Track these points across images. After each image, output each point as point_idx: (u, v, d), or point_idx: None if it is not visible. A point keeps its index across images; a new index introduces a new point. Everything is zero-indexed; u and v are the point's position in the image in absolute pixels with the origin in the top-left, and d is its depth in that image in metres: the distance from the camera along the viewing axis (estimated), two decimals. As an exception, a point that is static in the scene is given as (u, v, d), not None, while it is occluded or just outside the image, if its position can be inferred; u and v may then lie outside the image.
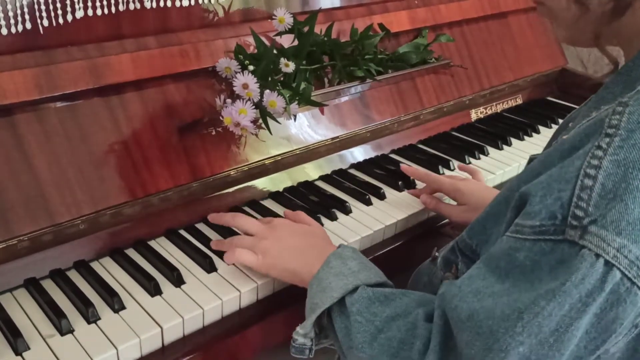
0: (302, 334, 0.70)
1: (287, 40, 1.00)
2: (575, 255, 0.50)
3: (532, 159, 0.66)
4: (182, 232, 0.89)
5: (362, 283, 0.67)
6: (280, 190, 1.01)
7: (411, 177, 1.04)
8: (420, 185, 1.05)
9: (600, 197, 0.50)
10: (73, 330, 0.70)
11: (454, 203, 0.97)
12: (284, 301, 0.81)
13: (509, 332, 0.51)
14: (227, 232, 0.88)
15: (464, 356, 0.54)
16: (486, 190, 0.96)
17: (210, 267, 0.81)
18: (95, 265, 0.81)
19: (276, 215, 0.93)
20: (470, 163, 1.16)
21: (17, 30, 0.77)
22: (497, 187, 1.13)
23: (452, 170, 1.13)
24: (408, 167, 1.04)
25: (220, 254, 0.83)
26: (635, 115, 0.51)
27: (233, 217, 0.85)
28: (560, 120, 1.37)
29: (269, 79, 0.92)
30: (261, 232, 0.80)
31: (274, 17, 0.98)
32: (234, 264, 0.82)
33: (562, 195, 0.51)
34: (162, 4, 0.89)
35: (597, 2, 0.57)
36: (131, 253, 0.84)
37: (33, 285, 0.76)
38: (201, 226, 0.90)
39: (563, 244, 0.51)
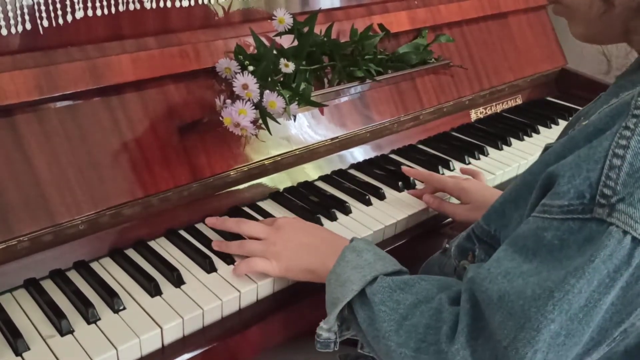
0: (326, 329, 0.71)
1: (287, 41, 1.00)
2: (603, 232, 0.51)
3: (547, 147, 0.66)
4: (182, 232, 0.89)
5: (380, 273, 0.67)
6: (280, 190, 1.01)
7: (412, 178, 1.05)
8: (420, 185, 1.05)
9: (628, 175, 0.51)
10: (73, 331, 0.70)
11: (457, 202, 0.97)
12: (283, 301, 0.81)
13: (541, 310, 0.52)
14: (227, 232, 0.88)
15: (497, 337, 0.55)
16: (489, 190, 0.97)
17: (210, 268, 0.81)
18: (95, 265, 0.81)
19: (273, 215, 0.93)
20: (470, 163, 1.16)
21: (17, 31, 0.77)
22: (497, 187, 1.13)
23: (452, 170, 1.13)
24: (409, 168, 1.04)
25: (221, 255, 0.83)
26: None
27: (237, 223, 0.84)
28: (560, 121, 1.38)
29: (269, 79, 0.92)
30: (269, 236, 0.80)
31: (273, 17, 0.98)
32: (234, 265, 0.82)
33: (591, 175, 0.53)
34: (162, 4, 0.89)
35: None
36: (131, 253, 0.84)
37: (33, 286, 0.76)
38: (201, 226, 0.90)
39: (591, 222, 0.52)
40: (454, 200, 0.98)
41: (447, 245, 0.78)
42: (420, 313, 0.62)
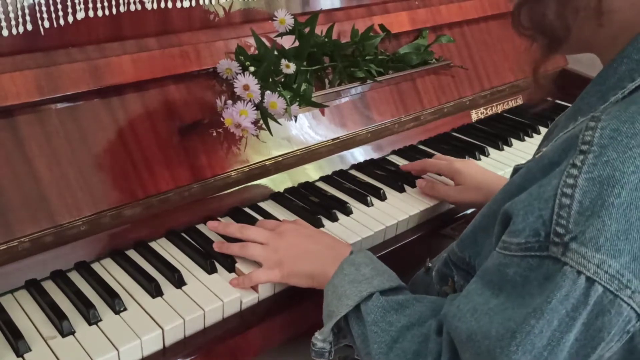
0: (321, 339, 0.71)
1: (287, 41, 1.00)
2: (558, 271, 0.51)
3: (516, 169, 0.67)
4: (183, 233, 0.89)
5: (376, 290, 0.68)
6: (281, 191, 1.01)
7: (413, 173, 1.05)
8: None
9: (578, 214, 0.51)
10: (74, 332, 0.70)
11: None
12: (284, 302, 0.81)
13: (505, 351, 0.52)
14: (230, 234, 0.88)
15: None
16: (481, 175, 0.98)
17: (211, 268, 0.81)
18: (96, 266, 0.81)
19: (274, 216, 0.92)
20: (470, 164, 1.16)
21: (18, 32, 0.77)
22: (498, 187, 1.13)
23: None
24: (405, 164, 1.06)
25: (220, 255, 0.83)
26: (607, 130, 0.51)
27: (239, 229, 0.83)
28: (561, 121, 1.38)
29: (270, 80, 0.92)
30: (271, 242, 0.80)
31: (274, 18, 0.98)
32: (235, 266, 0.82)
33: (543, 214, 0.53)
34: (162, 5, 0.89)
35: (538, 38, 0.61)
36: (132, 254, 0.84)
37: (34, 287, 0.76)
38: (202, 227, 0.90)
39: (547, 260, 0.52)
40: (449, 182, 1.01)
41: (429, 264, 0.78)
42: (411, 337, 0.62)
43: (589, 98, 0.61)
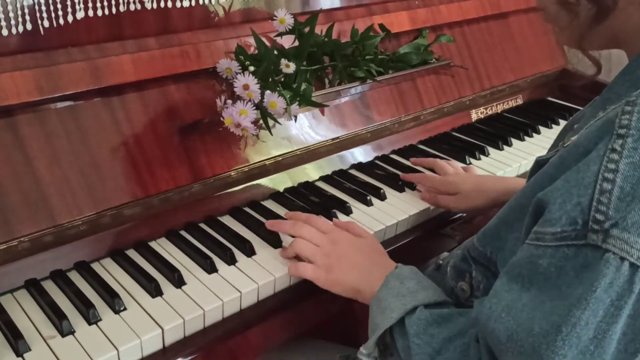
0: (366, 354, 0.70)
1: (287, 41, 1.00)
2: (599, 259, 0.50)
3: (538, 162, 0.66)
4: (183, 232, 0.89)
5: (420, 303, 0.67)
6: (281, 190, 1.01)
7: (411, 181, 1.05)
8: (420, 185, 1.05)
9: (619, 200, 0.50)
10: (74, 332, 0.70)
11: None
12: (284, 302, 0.81)
13: (551, 347, 0.51)
14: (230, 234, 0.88)
15: None
16: (475, 178, 0.99)
17: (211, 268, 0.81)
18: (96, 266, 0.81)
19: (277, 216, 0.92)
20: (470, 163, 1.16)
21: (17, 31, 0.77)
22: (498, 187, 1.13)
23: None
24: (406, 174, 1.06)
25: (220, 255, 0.83)
26: None
27: (293, 226, 0.83)
28: (561, 121, 1.38)
29: (270, 79, 0.92)
30: (324, 246, 0.79)
31: (274, 17, 0.98)
32: (235, 266, 0.82)
33: (582, 201, 0.52)
34: (162, 4, 0.89)
35: (583, 7, 0.59)
36: (132, 254, 0.84)
37: (34, 286, 0.76)
38: (202, 227, 0.90)
39: (586, 248, 0.51)
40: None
41: (440, 262, 0.78)
42: (454, 348, 0.61)
43: (618, 88, 0.60)
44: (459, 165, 1.08)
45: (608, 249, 0.50)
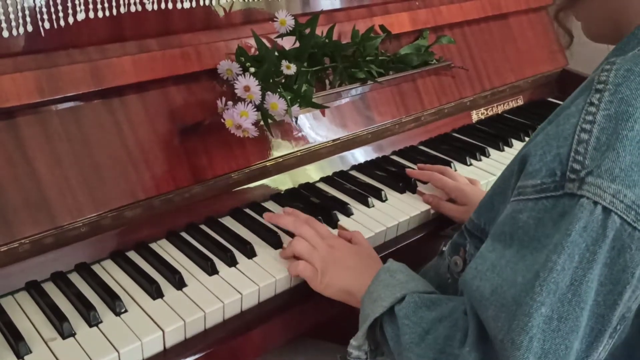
0: (356, 346, 0.70)
1: (288, 42, 1.00)
2: (575, 205, 0.52)
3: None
4: (184, 234, 0.89)
5: (410, 291, 0.68)
6: (282, 191, 1.01)
7: (413, 179, 1.05)
8: (421, 186, 1.05)
9: (595, 149, 0.53)
10: (75, 334, 0.70)
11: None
12: (285, 303, 0.81)
13: (529, 294, 0.52)
14: (231, 235, 0.88)
15: (492, 332, 0.55)
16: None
17: (211, 270, 0.81)
18: (96, 267, 0.81)
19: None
20: (471, 164, 1.16)
21: (18, 33, 0.77)
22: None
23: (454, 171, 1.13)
24: (412, 170, 1.06)
25: (221, 257, 0.83)
26: (622, 70, 0.54)
27: (294, 223, 0.84)
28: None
29: (271, 81, 0.92)
30: (320, 249, 0.80)
31: (275, 19, 0.98)
32: (235, 267, 0.82)
33: (561, 152, 0.54)
34: (163, 6, 0.89)
35: None
36: (133, 255, 0.84)
37: (34, 288, 0.76)
38: (203, 228, 0.90)
39: (563, 198, 0.53)
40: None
41: (443, 249, 0.78)
42: (442, 327, 0.62)
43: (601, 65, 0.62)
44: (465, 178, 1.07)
45: (582, 195, 0.52)
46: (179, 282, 0.78)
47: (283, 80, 0.94)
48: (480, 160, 1.18)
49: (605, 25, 0.66)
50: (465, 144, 1.24)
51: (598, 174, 0.52)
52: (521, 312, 0.52)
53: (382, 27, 1.15)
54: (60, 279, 0.78)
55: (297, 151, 1.01)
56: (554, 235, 0.53)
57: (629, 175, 0.51)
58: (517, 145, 1.26)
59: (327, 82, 1.05)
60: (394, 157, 1.17)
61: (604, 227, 0.51)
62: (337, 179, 1.07)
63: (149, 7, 0.88)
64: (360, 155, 1.13)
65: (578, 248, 0.51)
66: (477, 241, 0.69)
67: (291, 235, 0.86)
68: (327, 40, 1.04)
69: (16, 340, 0.67)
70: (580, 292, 0.52)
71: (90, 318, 0.71)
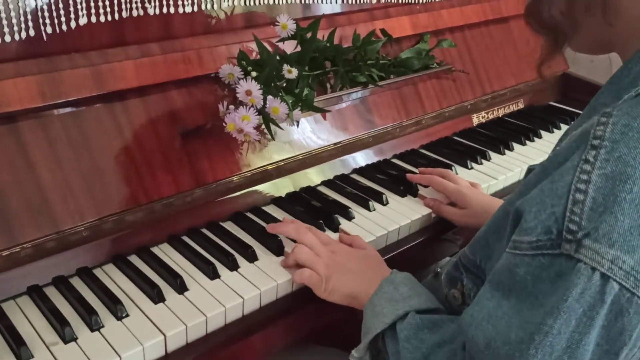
0: (357, 357, 0.71)
1: (289, 46, 1.00)
2: (572, 269, 0.51)
3: (530, 170, 0.67)
4: (185, 238, 0.89)
5: (412, 309, 0.67)
6: (283, 195, 1.01)
7: (414, 183, 1.05)
8: (422, 190, 1.05)
9: (592, 210, 0.51)
10: (76, 338, 0.70)
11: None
12: (287, 307, 0.81)
13: (524, 355, 0.51)
14: (232, 239, 0.88)
15: None
16: (487, 199, 0.98)
17: (213, 274, 0.81)
18: (98, 272, 0.81)
19: (278, 220, 0.93)
20: (472, 168, 1.16)
21: (20, 37, 0.77)
22: (500, 192, 1.13)
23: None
24: (413, 175, 1.06)
25: (222, 261, 0.83)
26: (619, 125, 0.52)
27: (296, 230, 0.84)
28: (562, 125, 1.39)
29: (272, 85, 0.92)
30: (323, 256, 0.80)
31: (276, 23, 0.98)
32: (237, 271, 0.82)
33: (556, 210, 0.52)
34: (165, 10, 0.89)
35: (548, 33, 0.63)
36: (134, 260, 0.84)
37: (36, 293, 0.76)
38: (204, 232, 0.90)
39: (560, 257, 0.52)
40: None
41: (438, 270, 0.78)
42: (442, 354, 0.62)
43: (604, 97, 0.61)
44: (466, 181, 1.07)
45: (580, 259, 0.51)
46: (180, 286, 0.78)
47: (284, 84, 0.94)
48: (481, 163, 1.18)
49: (595, 48, 0.65)
50: (466, 148, 1.24)
51: (595, 237, 0.50)
52: None
53: (383, 31, 1.15)
54: (61, 283, 0.78)
55: (299, 155, 1.01)
56: (550, 296, 0.52)
57: (627, 241, 0.50)
58: (518, 148, 1.26)
59: (328, 86, 1.05)
60: (395, 161, 1.17)
61: (602, 293, 0.50)
62: (339, 183, 1.07)
63: (150, 11, 0.88)
64: (362, 158, 1.14)
65: (575, 313, 0.50)
66: (474, 277, 0.69)
67: (293, 240, 0.86)
68: (328, 44, 1.04)
69: (18, 345, 0.67)
70: (576, 354, 0.51)
71: (92, 322, 0.71)
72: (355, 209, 0.98)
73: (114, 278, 0.80)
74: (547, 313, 0.51)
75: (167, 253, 0.86)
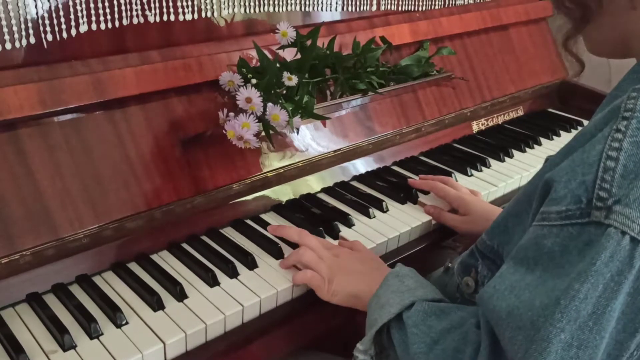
0: (362, 350, 0.70)
1: (289, 54, 1.01)
2: (602, 234, 0.51)
3: (548, 159, 0.67)
4: (185, 245, 0.89)
5: (419, 298, 0.67)
6: (283, 202, 1.01)
7: (414, 190, 1.05)
8: (422, 197, 1.05)
9: (622, 177, 0.51)
10: (75, 346, 0.70)
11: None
12: (287, 314, 0.81)
13: (549, 320, 0.51)
14: (232, 247, 0.88)
15: (509, 353, 0.54)
16: (488, 206, 0.98)
17: (213, 281, 0.80)
18: (97, 279, 0.81)
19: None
20: (472, 175, 1.16)
21: (21, 45, 0.77)
22: (499, 199, 1.13)
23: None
24: (414, 180, 1.06)
25: (222, 268, 0.83)
26: None
27: (298, 234, 0.84)
28: (562, 132, 1.39)
29: (272, 92, 0.92)
30: (325, 259, 0.80)
31: (277, 30, 0.98)
32: (237, 279, 0.82)
33: (586, 179, 0.53)
34: (165, 17, 0.89)
35: (572, 10, 0.63)
36: (134, 267, 0.83)
37: (35, 300, 0.76)
38: (204, 239, 0.90)
39: (589, 225, 0.52)
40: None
41: (449, 265, 0.78)
42: (452, 338, 0.62)
43: (625, 85, 0.62)
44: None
45: (610, 224, 0.51)
46: (180, 294, 0.78)
47: (284, 92, 0.94)
48: (481, 170, 1.18)
49: (614, 44, 0.65)
50: (466, 155, 1.24)
51: (626, 203, 0.51)
52: (539, 337, 0.51)
53: (382, 38, 1.16)
54: (61, 290, 0.78)
55: (299, 162, 1.01)
56: (578, 263, 0.52)
57: None
58: (518, 155, 1.26)
59: (328, 93, 1.06)
60: (395, 168, 1.17)
61: (632, 257, 0.50)
62: (338, 190, 1.07)
63: (151, 18, 0.88)
64: (361, 165, 1.14)
65: (603, 277, 0.50)
66: (490, 262, 0.69)
67: (292, 246, 0.86)
68: (328, 52, 1.04)
69: (17, 353, 0.67)
70: (602, 321, 0.51)
71: (91, 330, 0.71)
72: (355, 216, 0.98)
73: (113, 285, 0.80)
74: (575, 278, 0.51)
75: (166, 260, 0.86)
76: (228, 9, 0.96)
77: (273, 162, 0.98)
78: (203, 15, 0.94)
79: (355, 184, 1.10)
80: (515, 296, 0.55)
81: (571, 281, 0.51)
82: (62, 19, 0.80)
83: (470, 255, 0.72)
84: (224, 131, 0.87)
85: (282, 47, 1.00)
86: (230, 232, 0.93)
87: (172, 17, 0.90)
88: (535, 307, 0.52)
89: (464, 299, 0.72)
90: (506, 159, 1.24)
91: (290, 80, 0.92)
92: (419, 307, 0.66)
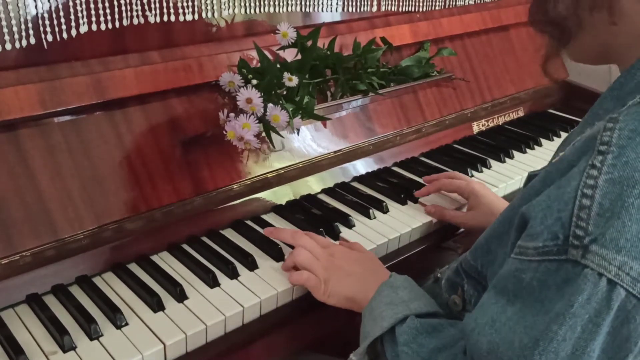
0: None
1: (290, 54, 1.00)
2: (578, 274, 0.51)
3: (530, 176, 0.66)
4: (185, 246, 0.88)
5: (412, 313, 0.67)
6: (283, 203, 1.01)
7: (414, 191, 1.05)
8: (422, 198, 1.05)
9: (598, 215, 0.50)
10: (75, 347, 0.69)
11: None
12: (287, 316, 0.81)
13: None
14: (232, 247, 0.88)
15: None
16: (496, 199, 0.98)
17: (213, 282, 0.80)
18: (97, 280, 0.81)
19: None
20: (472, 176, 1.16)
21: (21, 45, 0.77)
22: (500, 200, 1.13)
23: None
24: (420, 191, 1.04)
25: (222, 269, 0.83)
26: (626, 130, 0.52)
27: (293, 235, 0.84)
28: (562, 133, 1.39)
29: (273, 93, 0.92)
30: (321, 259, 0.80)
31: (277, 31, 0.98)
32: (237, 280, 0.82)
33: (562, 216, 0.52)
34: (165, 18, 0.89)
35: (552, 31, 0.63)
36: (134, 268, 0.83)
37: (35, 301, 0.76)
38: (204, 240, 0.90)
39: (567, 263, 0.52)
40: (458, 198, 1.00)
41: (438, 275, 0.78)
42: (442, 358, 0.61)
43: (606, 103, 0.61)
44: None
45: (587, 265, 0.50)
46: (180, 295, 0.78)
47: (285, 92, 0.94)
48: (482, 171, 1.18)
49: (595, 56, 0.65)
50: (466, 155, 1.24)
51: (603, 243, 0.50)
52: None
53: (383, 39, 1.16)
54: (61, 291, 0.78)
55: (299, 163, 1.01)
56: (557, 302, 0.51)
57: (635, 247, 0.49)
58: (518, 156, 1.26)
59: (328, 94, 1.05)
60: (395, 169, 1.17)
61: (609, 300, 0.50)
62: (339, 191, 1.06)
63: (151, 19, 0.88)
64: (362, 166, 1.13)
65: (581, 319, 0.50)
66: (475, 282, 0.69)
67: (292, 247, 0.86)
68: (328, 53, 1.04)
69: (16, 354, 0.67)
70: None
71: (91, 331, 0.71)
72: (356, 217, 0.98)
73: (113, 286, 0.80)
74: (553, 319, 0.51)
75: (166, 261, 0.85)
76: (228, 9, 0.96)
77: (273, 162, 0.98)
78: (203, 15, 0.93)
79: (355, 184, 1.10)
80: (496, 331, 0.54)
81: (549, 322, 0.51)
82: (62, 20, 0.80)
83: (456, 273, 0.72)
84: (224, 132, 0.87)
85: (283, 48, 0.99)
86: (230, 233, 0.93)
87: (173, 18, 0.90)
88: (515, 347, 0.52)
89: (453, 315, 0.71)
90: (507, 159, 1.24)
91: (291, 80, 0.92)
92: (411, 323, 0.66)
